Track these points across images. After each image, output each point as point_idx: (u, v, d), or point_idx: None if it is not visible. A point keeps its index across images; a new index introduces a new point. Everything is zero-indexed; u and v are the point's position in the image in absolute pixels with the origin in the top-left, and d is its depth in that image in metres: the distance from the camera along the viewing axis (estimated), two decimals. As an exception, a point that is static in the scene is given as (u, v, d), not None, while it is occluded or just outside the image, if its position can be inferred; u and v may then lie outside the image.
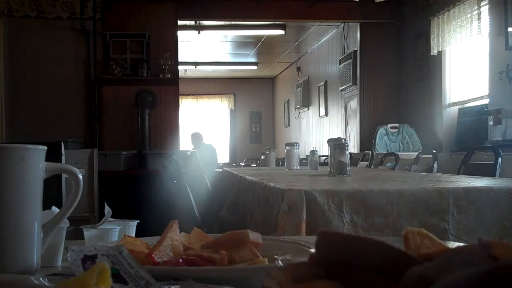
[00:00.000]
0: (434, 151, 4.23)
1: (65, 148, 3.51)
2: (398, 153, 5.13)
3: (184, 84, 7.42)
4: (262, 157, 5.38)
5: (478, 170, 3.14)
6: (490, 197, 1.82)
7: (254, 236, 0.71)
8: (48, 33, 6.22)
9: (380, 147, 6.04)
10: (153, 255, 0.67)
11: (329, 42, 8.93)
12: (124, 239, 0.72)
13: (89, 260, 0.56)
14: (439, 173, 3.47)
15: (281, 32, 8.30)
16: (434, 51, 5.65)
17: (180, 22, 6.64)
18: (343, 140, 2.74)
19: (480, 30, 4.89)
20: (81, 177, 0.78)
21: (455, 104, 5.69)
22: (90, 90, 6.26)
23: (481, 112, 4.88)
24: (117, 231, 0.92)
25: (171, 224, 0.73)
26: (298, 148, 3.86)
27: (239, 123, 13.21)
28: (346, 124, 7.83)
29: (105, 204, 0.95)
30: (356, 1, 6.64)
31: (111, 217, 0.96)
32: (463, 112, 5.46)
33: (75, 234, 1.07)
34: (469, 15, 5.02)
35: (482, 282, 0.32)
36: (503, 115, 4.49)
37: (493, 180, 2.35)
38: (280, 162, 5.44)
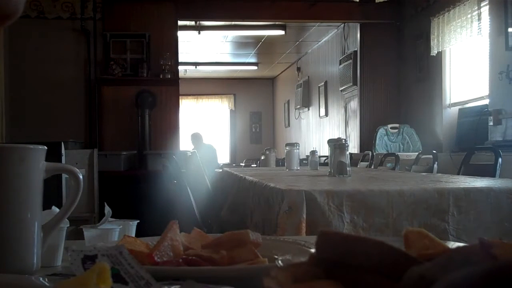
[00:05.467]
0: (434, 151, 4.23)
1: (65, 148, 3.51)
2: (398, 153, 5.13)
3: (184, 84, 7.42)
4: (262, 158, 5.38)
5: (478, 171, 3.14)
6: (490, 197, 1.82)
7: (254, 236, 0.71)
8: (48, 33, 6.21)
9: (380, 147, 6.04)
10: (153, 255, 0.67)
11: (329, 43, 8.93)
12: (124, 239, 0.72)
13: (89, 260, 0.56)
14: (439, 174, 3.47)
15: (281, 32, 8.30)
16: (434, 52, 5.65)
17: (180, 22, 6.64)
18: (343, 140, 2.74)
19: (480, 31, 4.88)
20: (81, 177, 0.78)
21: (455, 104, 5.68)
22: (90, 90, 6.26)
23: (481, 113, 4.88)
24: (117, 231, 0.92)
25: (171, 224, 0.73)
26: (298, 149, 3.86)
27: (239, 124, 13.20)
28: (346, 124, 7.83)
29: (105, 204, 0.95)
30: (356, 2, 6.63)
31: (111, 217, 0.96)
32: (463, 113, 5.46)
33: (75, 234, 1.07)
34: (469, 16, 5.02)
35: (482, 282, 0.32)
36: (503, 116, 4.49)
37: (493, 180, 2.35)
38: (280, 163, 5.43)
